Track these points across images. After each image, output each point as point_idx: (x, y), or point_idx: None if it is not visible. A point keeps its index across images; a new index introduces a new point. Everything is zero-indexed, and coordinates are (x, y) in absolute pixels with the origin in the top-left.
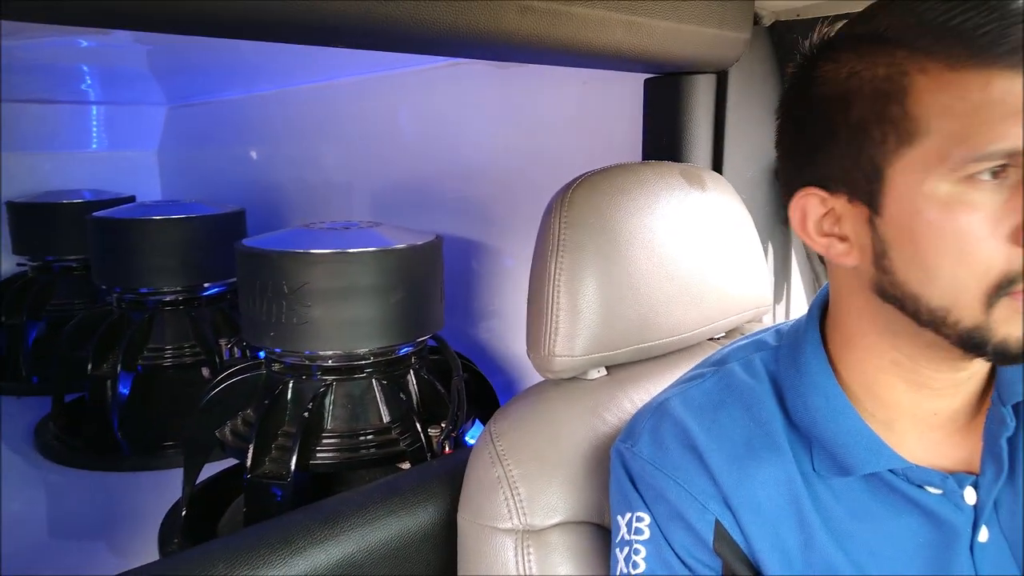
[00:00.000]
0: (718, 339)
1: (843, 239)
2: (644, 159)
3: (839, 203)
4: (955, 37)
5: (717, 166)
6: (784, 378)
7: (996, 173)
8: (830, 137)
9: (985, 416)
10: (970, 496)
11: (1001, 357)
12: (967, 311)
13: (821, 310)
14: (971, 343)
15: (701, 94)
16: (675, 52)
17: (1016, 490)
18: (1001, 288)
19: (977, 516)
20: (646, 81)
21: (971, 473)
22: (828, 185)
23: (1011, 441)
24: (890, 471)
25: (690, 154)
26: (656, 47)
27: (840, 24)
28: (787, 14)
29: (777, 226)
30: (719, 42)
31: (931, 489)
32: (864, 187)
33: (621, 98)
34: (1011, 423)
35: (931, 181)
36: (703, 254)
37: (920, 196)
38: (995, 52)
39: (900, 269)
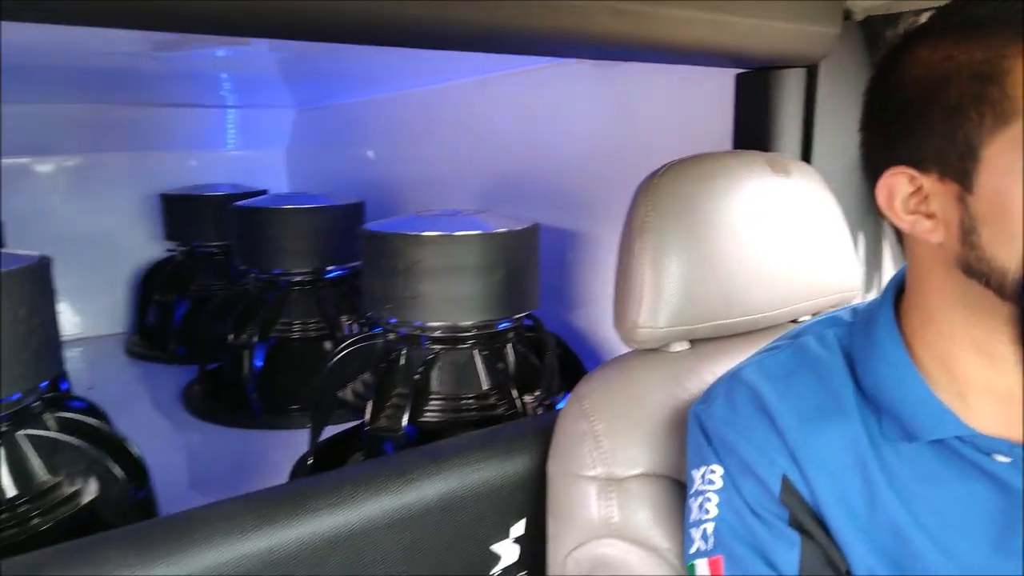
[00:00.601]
0: (801, 322)
1: (930, 216)
2: None
3: (928, 181)
4: None
5: (807, 157)
6: (856, 350)
7: None
8: (923, 118)
9: None
10: None
11: None
12: None
13: (897, 290)
14: None
15: (791, 88)
16: (764, 48)
17: None
18: None
19: None
20: (737, 76)
21: None
22: (919, 164)
23: None
24: (958, 439)
25: (780, 146)
26: (745, 44)
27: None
28: (879, 9)
29: (868, 216)
30: (808, 38)
31: (999, 457)
32: (957, 165)
33: (713, 93)
34: None
35: None
36: (786, 238)
37: (1014, 173)
38: None
39: (988, 244)
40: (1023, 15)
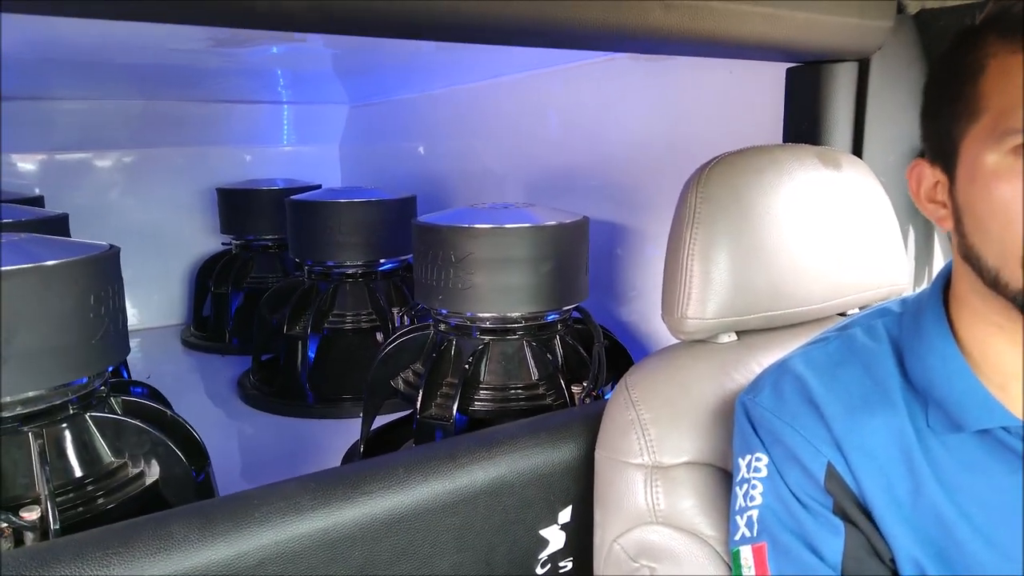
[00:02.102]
0: (849, 315)
1: (944, 206)
2: None
3: (937, 172)
4: (1019, 23)
5: (857, 151)
6: (905, 341)
7: None
8: (932, 113)
9: None
10: None
11: None
12: (1013, 274)
13: (945, 281)
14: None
15: (842, 82)
16: (815, 42)
17: None
18: None
19: None
20: (788, 70)
21: None
22: (932, 156)
23: None
24: (1004, 429)
25: (830, 140)
26: (796, 37)
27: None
28: (932, 3)
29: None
30: (860, 32)
31: None
32: (947, 158)
33: (764, 87)
34: None
35: (984, 153)
36: (835, 232)
37: (977, 165)
38: None
39: (970, 234)
40: (1005, 16)
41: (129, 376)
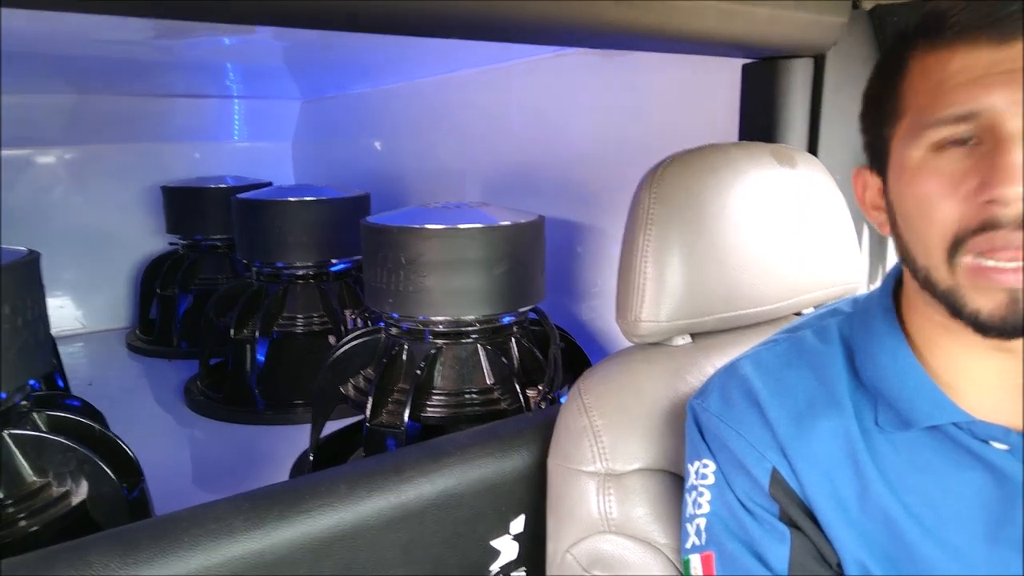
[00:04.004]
0: (804, 314)
1: (883, 211)
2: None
3: (875, 177)
4: (936, 23)
5: (813, 148)
6: (856, 340)
7: (964, 142)
8: (867, 118)
9: None
10: None
11: (975, 326)
12: (939, 272)
13: (896, 280)
14: (951, 308)
15: (798, 78)
16: (770, 37)
17: None
18: (957, 243)
19: None
20: (744, 66)
21: None
22: (871, 162)
23: None
24: (954, 425)
25: (786, 137)
26: (751, 32)
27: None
28: None
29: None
30: (815, 27)
31: (996, 444)
32: (880, 160)
33: (720, 84)
34: None
35: (908, 149)
36: (791, 230)
37: (902, 163)
38: (955, 30)
39: (901, 233)
40: (927, 18)
41: (66, 385)
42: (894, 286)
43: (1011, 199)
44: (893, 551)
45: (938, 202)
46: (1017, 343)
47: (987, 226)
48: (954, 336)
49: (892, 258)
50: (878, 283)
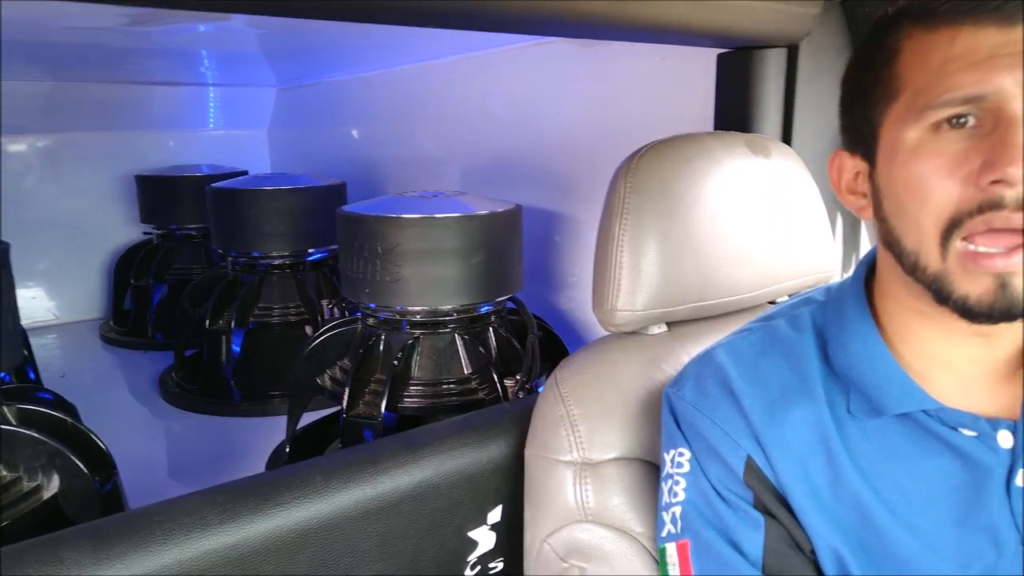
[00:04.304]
0: (779, 303)
1: (865, 195)
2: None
3: (857, 161)
4: (935, 4)
5: (787, 138)
6: (828, 328)
7: (963, 123)
8: (850, 102)
9: None
10: (1005, 440)
11: (963, 312)
12: (929, 256)
13: (868, 268)
14: (939, 294)
15: (771, 68)
16: (744, 27)
17: None
18: (953, 227)
19: (1014, 460)
20: (718, 56)
21: (1012, 420)
22: (851, 146)
23: None
24: (924, 412)
25: (760, 127)
26: (725, 22)
27: None
28: None
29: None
30: (788, 17)
31: (965, 431)
32: (867, 144)
33: (696, 73)
34: None
35: (904, 131)
36: (765, 220)
37: (896, 145)
38: (961, 10)
39: (888, 217)
40: (924, 3)
41: (38, 377)
42: (866, 274)
43: (1017, 179)
44: (865, 537)
45: (936, 183)
46: (998, 328)
47: (987, 207)
48: (930, 322)
49: (865, 246)
50: (851, 272)
